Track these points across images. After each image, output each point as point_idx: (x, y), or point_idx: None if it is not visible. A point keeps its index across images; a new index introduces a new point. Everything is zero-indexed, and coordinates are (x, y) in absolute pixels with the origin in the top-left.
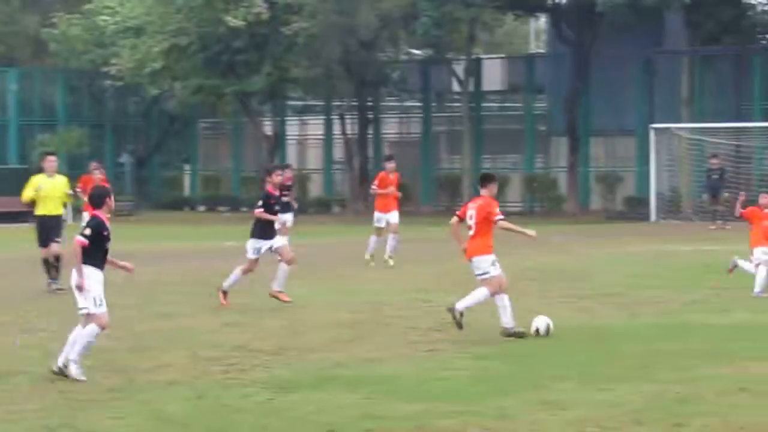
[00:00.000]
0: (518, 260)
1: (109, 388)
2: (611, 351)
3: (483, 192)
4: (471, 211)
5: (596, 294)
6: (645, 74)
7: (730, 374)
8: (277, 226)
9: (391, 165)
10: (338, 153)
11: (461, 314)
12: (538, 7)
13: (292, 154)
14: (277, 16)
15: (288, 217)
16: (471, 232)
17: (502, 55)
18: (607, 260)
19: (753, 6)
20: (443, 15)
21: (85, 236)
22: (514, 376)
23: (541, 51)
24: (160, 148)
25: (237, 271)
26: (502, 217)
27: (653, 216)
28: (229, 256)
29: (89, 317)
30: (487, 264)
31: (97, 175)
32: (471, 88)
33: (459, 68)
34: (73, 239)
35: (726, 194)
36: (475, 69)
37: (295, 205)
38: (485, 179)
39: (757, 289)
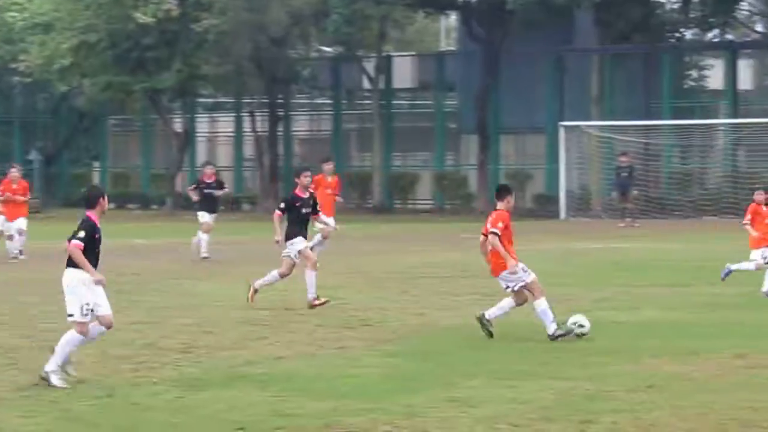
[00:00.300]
0: (429, 257)
1: (18, 386)
2: (521, 348)
3: (499, 205)
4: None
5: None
6: (555, 72)
7: (639, 371)
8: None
9: (329, 167)
10: (248, 150)
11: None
12: (448, 5)
13: (202, 152)
14: (187, 13)
15: (207, 216)
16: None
17: (413, 53)
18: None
19: (662, 5)
20: (354, 12)
21: (80, 239)
22: (423, 373)
23: (452, 49)
24: (69, 145)
25: (274, 273)
26: (497, 231)
27: (563, 214)
28: (138, 254)
29: (75, 325)
30: (513, 275)
31: (15, 174)
32: (381, 85)
33: (370, 66)
34: (68, 244)
35: (635, 192)
36: (385, 66)
37: (225, 198)
38: (500, 191)
39: (765, 288)
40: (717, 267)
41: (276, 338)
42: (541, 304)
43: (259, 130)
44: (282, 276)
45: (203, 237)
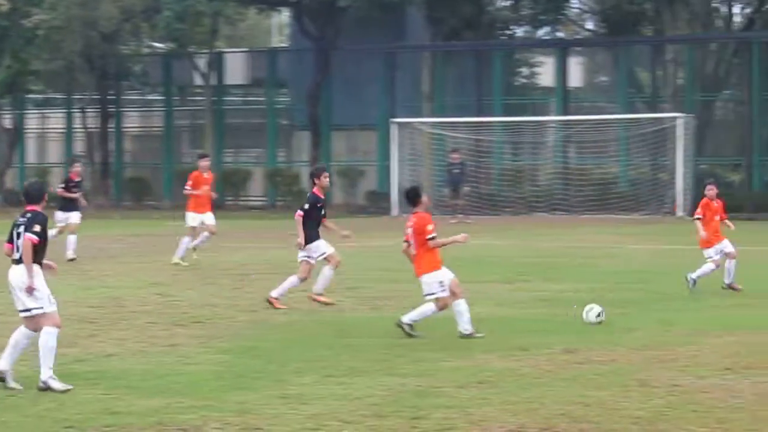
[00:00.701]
0: (260, 254)
1: None
2: (353, 345)
3: (417, 209)
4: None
5: (339, 288)
6: (387, 69)
7: (469, 367)
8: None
9: (205, 163)
10: (79, 147)
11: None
12: (280, 2)
13: (31, 148)
14: (17, 8)
15: (75, 215)
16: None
17: (245, 49)
18: (350, 254)
19: (493, 2)
20: (185, 9)
21: (36, 233)
22: (255, 370)
23: (284, 45)
24: None
25: (294, 278)
26: (434, 235)
27: (395, 210)
28: None
29: (43, 318)
30: (435, 281)
31: None
32: (213, 82)
33: (201, 62)
34: (25, 236)
35: (467, 188)
36: (217, 63)
37: (84, 203)
38: (411, 196)
39: (694, 275)
40: (549, 263)
41: (107, 336)
42: (461, 306)
43: (90, 126)
44: (301, 280)
45: (71, 238)
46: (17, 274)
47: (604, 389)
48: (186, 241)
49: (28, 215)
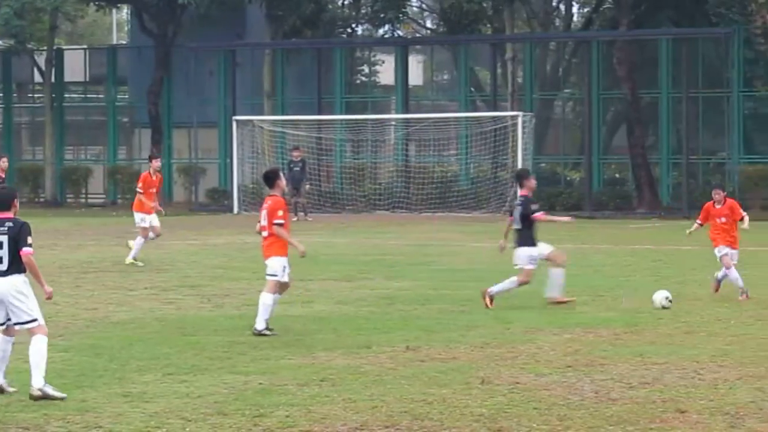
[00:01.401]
0: (101, 251)
1: None
2: (195, 343)
3: (273, 191)
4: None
5: (180, 286)
6: (227, 67)
7: (311, 365)
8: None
9: (157, 164)
10: None
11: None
12: None
13: None
14: None
15: None
16: (266, 234)
17: (85, 46)
18: (191, 252)
19: (333, 0)
20: (24, 5)
21: (31, 246)
22: (97, 368)
23: (124, 43)
24: None
25: (513, 279)
26: (281, 221)
27: (236, 208)
28: None
29: (38, 328)
30: (279, 265)
31: None
32: (53, 79)
33: (41, 59)
34: (24, 252)
35: (308, 186)
36: (57, 60)
37: None
38: (269, 178)
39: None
40: (390, 261)
41: None
42: (268, 299)
43: None
44: (521, 284)
45: None
46: (8, 286)
47: (446, 387)
48: (140, 242)
49: (8, 224)
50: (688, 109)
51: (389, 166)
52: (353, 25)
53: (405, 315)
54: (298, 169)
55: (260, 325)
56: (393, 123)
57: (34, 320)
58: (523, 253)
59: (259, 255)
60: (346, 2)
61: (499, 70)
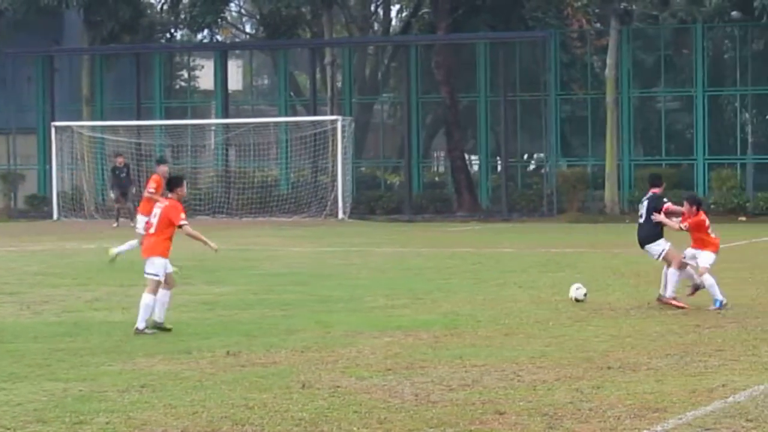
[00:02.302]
0: None
1: None
2: (13, 350)
3: (171, 195)
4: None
5: None
6: (45, 72)
7: (131, 371)
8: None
9: (164, 168)
10: None
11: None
12: None
13: None
14: None
15: None
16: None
17: None
18: (10, 259)
19: (151, 5)
20: None
21: None
22: None
23: None
24: None
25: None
26: (185, 222)
27: (56, 214)
28: None
29: None
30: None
31: None
32: None
33: None
34: None
35: (134, 190)
36: None
37: None
38: (172, 182)
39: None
40: (211, 266)
41: None
42: (149, 299)
43: None
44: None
45: None
46: None
47: (267, 391)
48: (134, 243)
49: None
50: (506, 113)
51: (209, 171)
52: (172, 30)
53: (225, 320)
54: (124, 174)
55: (140, 324)
56: (213, 128)
57: None
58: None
59: (79, 261)
60: (164, 7)
61: (318, 75)
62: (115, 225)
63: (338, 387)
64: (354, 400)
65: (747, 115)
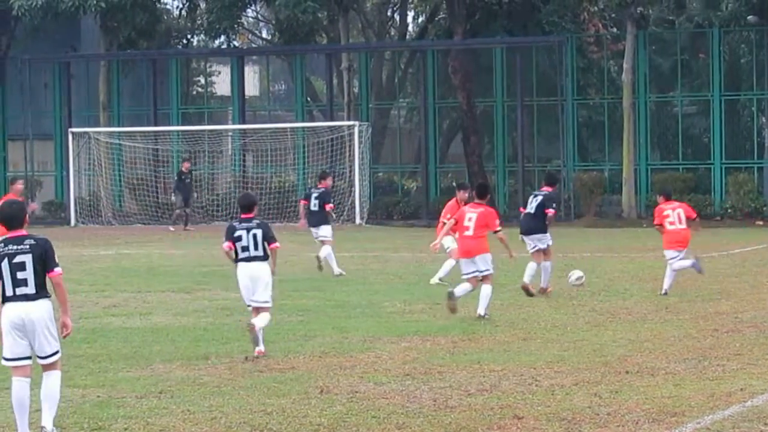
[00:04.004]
0: None
1: None
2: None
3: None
4: None
5: None
6: (62, 78)
7: (149, 377)
8: None
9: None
10: None
11: None
12: None
13: None
14: None
15: None
16: None
17: None
18: None
19: (168, 11)
20: None
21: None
22: None
23: None
24: None
25: None
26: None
27: (73, 220)
28: None
29: (58, 361)
30: None
31: None
32: None
33: None
34: (55, 273)
35: (195, 196)
36: None
37: None
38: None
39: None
40: (228, 272)
41: None
42: (487, 289)
43: None
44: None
45: None
46: (42, 311)
47: (285, 397)
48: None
49: (29, 242)
50: (523, 118)
51: (226, 176)
52: (189, 36)
53: (243, 325)
54: (188, 180)
55: (483, 310)
56: (230, 133)
57: (58, 351)
58: None
59: (98, 268)
60: (181, 13)
61: (335, 80)
62: (189, 228)
63: (356, 392)
64: (372, 405)
65: (764, 119)
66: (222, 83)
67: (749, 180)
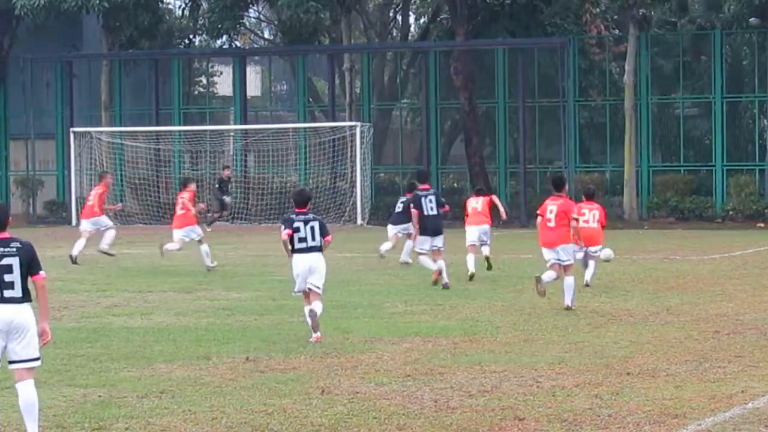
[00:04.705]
0: None
1: None
2: None
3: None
4: None
5: None
6: (64, 78)
7: (150, 376)
8: None
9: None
10: None
11: None
12: None
13: None
14: None
15: None
16: None
17: None
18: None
19: (171, 11)
20: None
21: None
22: None
23: None
24: None
25: None
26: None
27: (74, 220)
28: None
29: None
30: None
31: None
32: None
33: None
34: (39, 276)
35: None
36: None
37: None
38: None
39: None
40: (230, 272)
41: None
42: (569, 280)
43: None
44: None
45: None
46: (27, 315)
47: (286, 397)
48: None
49: (15, 245)
50: (525, 119)
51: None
52: (191, 36)
53: (244, 326)
54: (226, 189)
55: (570, 301)
56: (231, 134)
57: (40, 358)
58: None
59: (97, 267)
60: (183, 13)
61: (336, 81)
62: (209, 230)
63: (357, 393)
64: (373, 406)
65: (765, 121)
66: (224, 83)
67: (750, 182)
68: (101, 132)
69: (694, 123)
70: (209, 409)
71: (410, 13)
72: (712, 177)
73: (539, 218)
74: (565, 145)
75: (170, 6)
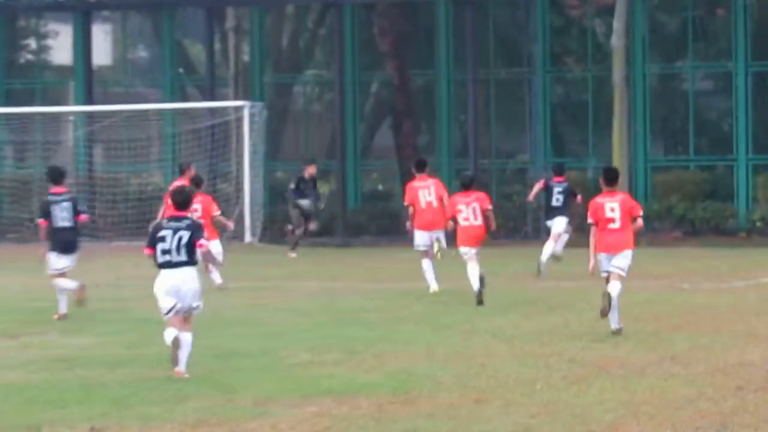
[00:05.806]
0: None
1: None
2: None
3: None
4: None
5: None
6: None
7: None
8: None
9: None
10: None
11: None
12: None
13: None
14: None
15: None
16: None
17: None
18: None
19: None
20: None
21: None
22: None
23: None
24: None
25: None
26: None
27: None
28: None
29: None
30: None
31: None
32: None
33: None
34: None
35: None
36: None
37: None
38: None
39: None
40: (70, 310)
41: None
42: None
43: None
44: None
45: None
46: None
47: None
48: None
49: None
50: (476, 96)
51: (68, 177)
52: None
53: (88, 383)
54: (307, 190)
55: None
56: (71, 117)
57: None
58: None
59: None
60: None
61: (217, 46)
62: (293, 255)
63: None
64: None
65: None
66: (61, 49)
67: None
68: None
69: (708, 102)
70: None
71: None
72: (734, 176)
73: (592, 226)
74: (532, 132)
75: None
